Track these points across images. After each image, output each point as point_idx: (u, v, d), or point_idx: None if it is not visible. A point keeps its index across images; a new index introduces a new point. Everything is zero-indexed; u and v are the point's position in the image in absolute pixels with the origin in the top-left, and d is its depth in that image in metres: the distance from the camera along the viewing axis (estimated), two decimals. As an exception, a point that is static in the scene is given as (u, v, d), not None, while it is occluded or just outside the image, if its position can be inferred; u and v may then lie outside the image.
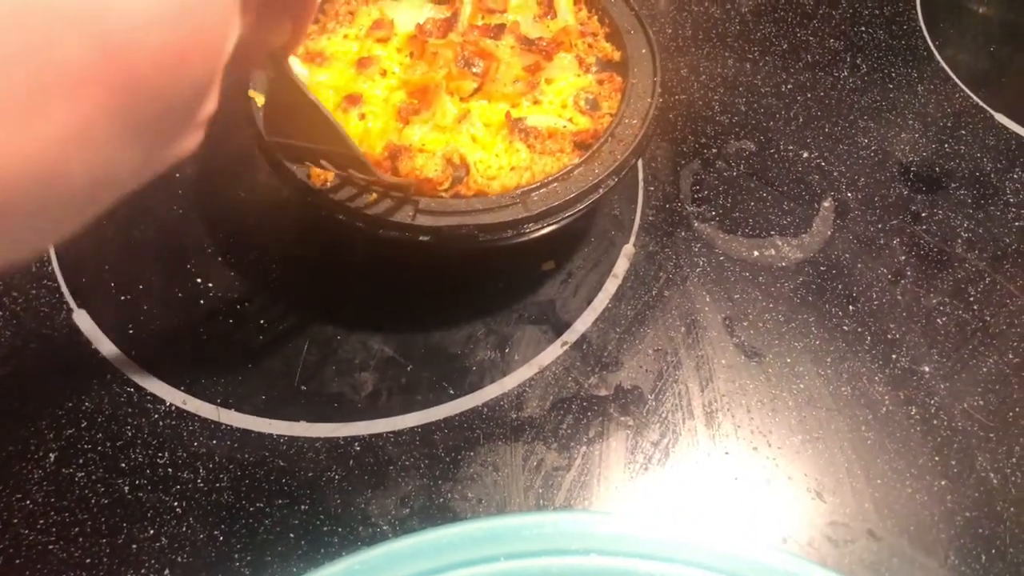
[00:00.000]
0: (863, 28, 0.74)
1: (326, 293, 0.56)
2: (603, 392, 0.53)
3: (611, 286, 0.57)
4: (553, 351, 0.54)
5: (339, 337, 0.54)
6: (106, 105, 0.20)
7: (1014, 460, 0.52)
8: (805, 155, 0.65)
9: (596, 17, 0.59)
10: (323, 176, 0.49)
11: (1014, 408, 0.54)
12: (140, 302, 0.55)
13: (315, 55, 0.55)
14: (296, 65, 0.53)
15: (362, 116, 0.52)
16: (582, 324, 0.56)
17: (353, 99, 0.52)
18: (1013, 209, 0.63)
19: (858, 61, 0.71)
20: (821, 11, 0.75)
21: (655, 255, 0.59)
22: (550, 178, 0.50)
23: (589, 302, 0.56)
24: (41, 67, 0.18)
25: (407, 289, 0.56)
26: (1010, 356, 0.56)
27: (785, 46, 0.72)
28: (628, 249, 0.59)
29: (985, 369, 0.56)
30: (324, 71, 0.54)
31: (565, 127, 0.53)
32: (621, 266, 0.58)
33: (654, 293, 0.57)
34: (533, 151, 0.51)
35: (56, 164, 0.20)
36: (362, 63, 0.54)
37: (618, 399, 0.53)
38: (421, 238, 0.48)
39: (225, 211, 0.59)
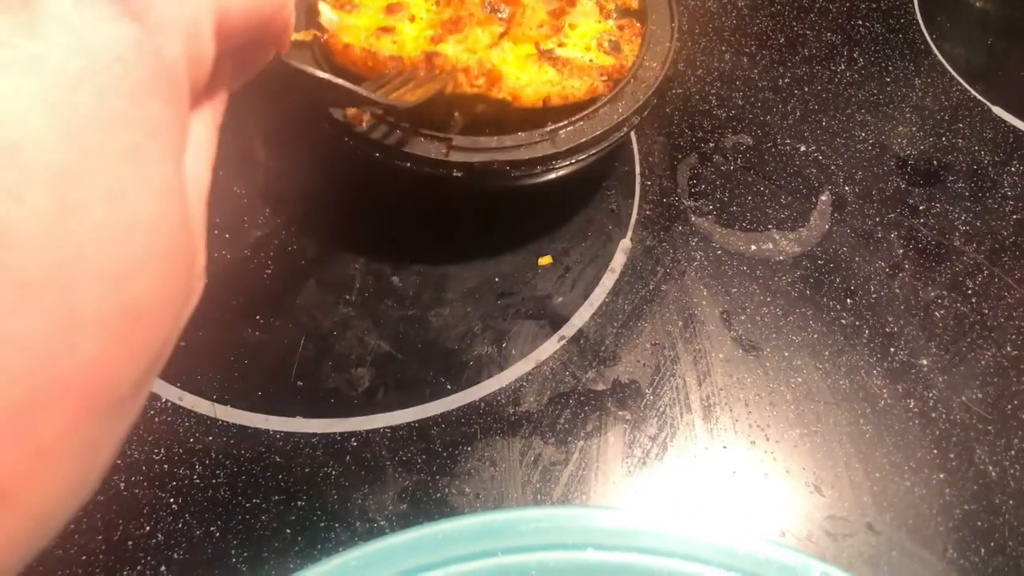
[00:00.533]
0: (860, 21, 0.74)
1: (322, 289, 0.56)
2: (600, 387, 0.53)
3: (608, 281, 0.57)
4: (550, 346, 0.54)
5: (335, 332, 0.54)
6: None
7: (1012, 453, 0.52)
8: (802, 149, 0.65)
9: None
10: (359, 117, 0.51)
11: (1012, 400, 0.54)
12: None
13: (344, 2, 0.55)
14: (327, 11, 0.54)
15: (395, 43, 0.54)
16: (579, 319, 0.55)
17: (387, 29, 0.54)
18: (1011, 202, 0.63)
19: (855, 55, 0.71)
20: (818, 4, 0.74)
21: (652, 249, 0.59)
22: (577, 116, 0.52)
23: (586, 297, 0.56)
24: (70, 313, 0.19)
25: (403, 284, 0.56)
26: (1008, 349, 0.56)
27: (782, 40, 0.72)
28: (625, 244, 0.59)
29: (983, 362, 0.55)
30: (353, 17, 0.55)
31: (592, 62, 0.55)
32: (618, 260, 0.58)
33: (651, 287, 0.57)
34: (562, 74, 0.53)
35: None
36: (391, 9, 0.55)
37: (615, 393, 0.53)
38: (455, 173, 0.50)
39: (219, 203, 0.59)
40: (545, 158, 0.51)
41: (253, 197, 0.59)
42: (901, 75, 0.70)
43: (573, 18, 0.57)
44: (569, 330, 0.55)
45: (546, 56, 0.54)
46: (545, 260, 0.58)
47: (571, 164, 0.52)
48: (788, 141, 0.65)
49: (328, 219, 0.58)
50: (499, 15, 0.55)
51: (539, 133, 0.51)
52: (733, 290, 0.57)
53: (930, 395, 0.54)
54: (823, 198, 0.62)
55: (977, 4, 0.78)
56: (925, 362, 0.55)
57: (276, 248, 0.57)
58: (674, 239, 0.59)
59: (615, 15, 0.58)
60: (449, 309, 0.55)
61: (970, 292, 0.58)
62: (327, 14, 0.54)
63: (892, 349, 0.56)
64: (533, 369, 0.53)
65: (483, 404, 0.52)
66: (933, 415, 0.53)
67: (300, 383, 0.52)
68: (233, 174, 0.60)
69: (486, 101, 0.52)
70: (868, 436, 0.52)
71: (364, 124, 0.50)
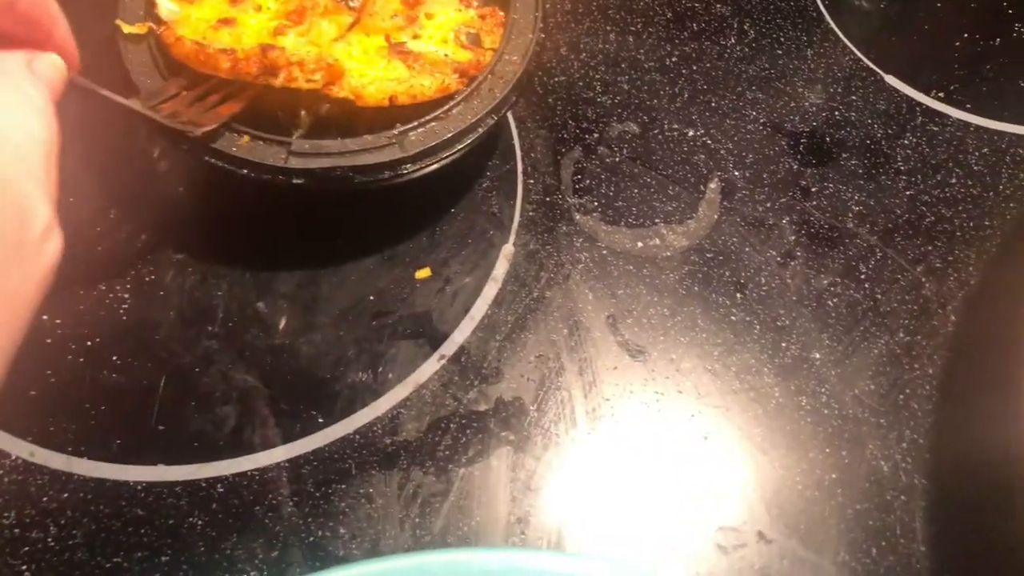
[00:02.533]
0: (750, -11, 0.71)
1: (183, 321, 0.52)
2: (483, 407, 0.51)
3: (490, 291, 0.55)
4: (430, 366, 0.52)
5: (198, 369, 0.51)
6: None
7: (904, 445, 0.51)
8: (691, 133, 0.62)
9: None
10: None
11: (904, 390, 0.53)
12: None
13: None
14: (166, 2, 0.51)
15: (233, 36, 0.51)
16: (460, 335, 0.53)
17: (228, 21, 0.51)
18: (904, 177, 0.61)
19: (746, 27, 0.68)
20: (707, -27, 0.71)
21: (536, 254, 0.56)
22: (428, 117, 0.49)
23: (467, 310, 0.54)
24: None
25: (270, 310, 0.53)
26: (901, 335, 0.55)
27: (670, 15, 0.68)
28: (507, 249, 0.56)
29: (876, 351, 0.54)
30: (195, 8, 0.52)
31: (446, 57, 0.52)
32: (500, 268, 0.55)
33: (535, 295, 0.55)
34: (412, 70, 0.51)
35: None
36: None
37: (499, 413, 0.50)
38: (294, 181, 0.47)
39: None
40: (393, 163, 0.48)
41: (106, 224, 0.55)
42: (793, 46, 0.68)
43: (430, 7, 0.54)
44: (450, 348, 0.52)
45: (396, 50, 0.51)
46: (423, 273, 0.55)
47: (421, 168, 0.49)
48: (676, 126, 0.62)
49: (187, 245, 0.54)
50: (350, 3, 0.52)
51: (387, 136, 0.48)
52: (619, 292, 0.55)
53: (822, 391, 0.52)
54: (712, 186, 0.60)
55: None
56: (818, 356, 0.54)
57: (132, 280, 0.53)
58: (558, 241, 0.57)
59: (476, 3, 0.55)
60: (320, 334, 0.52)
61: (863, 277, 0.57)
62: (166, 5, 0.51)
63: (784, 344, 0.54)
64: (412, 393, 0.51)
65: (358, 436, 0.49)
66: (825, 412, 0.52)
67: (161, 427, 0.49)
68: (85, 202, 0.55)
69: (329, 100, 0.49)
70: (759, 440, 0.51)
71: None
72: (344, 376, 0.51)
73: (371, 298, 0.54)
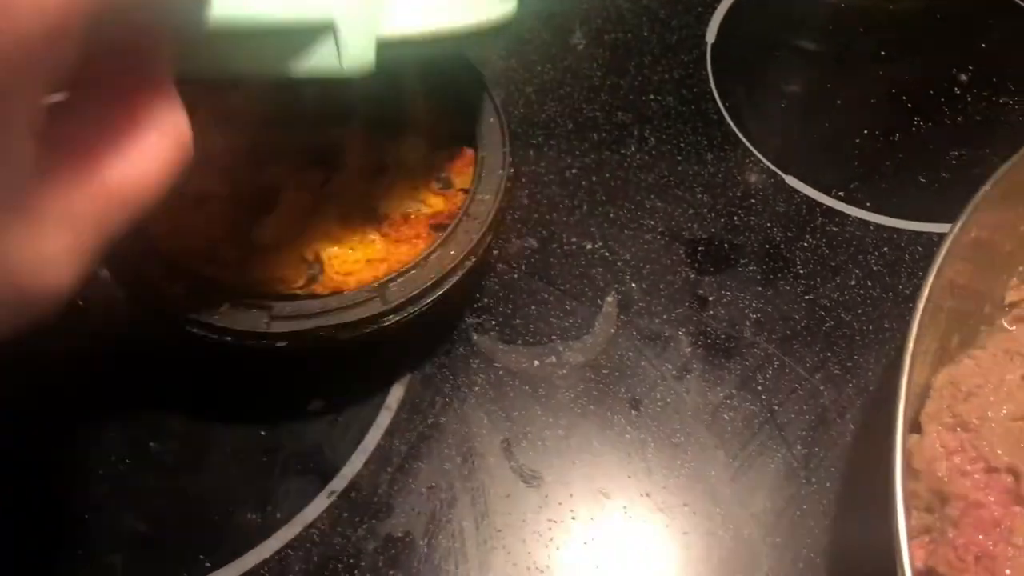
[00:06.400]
0: (652, 96, 0.71)
1: (73, 466, 0.52)
2: (372, 545, 0.50)
3: (384, 419, 0.55)
4: (320, 503, 0.51)
5: (87, 516, 0.50)
6: None
7: (800, 565, 0.51)
8: (589, 246, 0.62)
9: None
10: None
11: (801, 506, 0.53)
12: None
13: None
14: None
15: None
16: (351, 468, 0.53)
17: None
18: (803, 282, 0.62)
19: (646, 134, 0.69)
20: (609, 82, 0.72)
21: (432, 378, 0.56)
22: (407, 266, 0.49)
23: (359, 442, 0.54)
24: None
25: (162, 450, 0.53)
26: (798, 447, 0.55)
27: (571, 126, 0.69)
28: (402, 375, 0.56)
29: (772, 466, 0.54)
30: None
31: (419, 210, 0.53)
32: (395, 395, 0.56)
33: (429, 422, 0.55)
34: (388, 239, 0.51)
35: None
36: None
37: (387, 551, 0.50)
38: (278, 344, 0.47)
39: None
40: (376, 316, 0.48)
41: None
42: (693, 151, 0.68)
43: (401, 151, 0.55)
44: (340, 483, 0.52)
45: (369, 218, 0.52)
46: (316, 403, 0.55)
47: (404, 318, 0.49)
48: (574, 240, 0.63)
49: (77, 386, 0.54)
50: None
51: (367, 291, 0.48)
52: (515, 414, 0.55)
53: (717, 511, 0.52)
54: (608, 299, 0.60)
55: (768, 75, 0.77)
56: (713, 472, 0.54)
57: (21, 427, 0.53)
58: (455, 363, 0.57)
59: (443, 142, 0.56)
60: (210, 474, 0.52)
61: (760, 388, 0.57)
62: None
63: (678, 462, 0.54)
64: (301, 533, 0.50)
65: (244, 580, 0.49)
66: (720, 532, 0.51)
67: (47, 580, 0.49)
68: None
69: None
70: (655, 565, 0.50)
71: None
72: (233, 517, 0.51)
73: (262, 433, 0.54)
